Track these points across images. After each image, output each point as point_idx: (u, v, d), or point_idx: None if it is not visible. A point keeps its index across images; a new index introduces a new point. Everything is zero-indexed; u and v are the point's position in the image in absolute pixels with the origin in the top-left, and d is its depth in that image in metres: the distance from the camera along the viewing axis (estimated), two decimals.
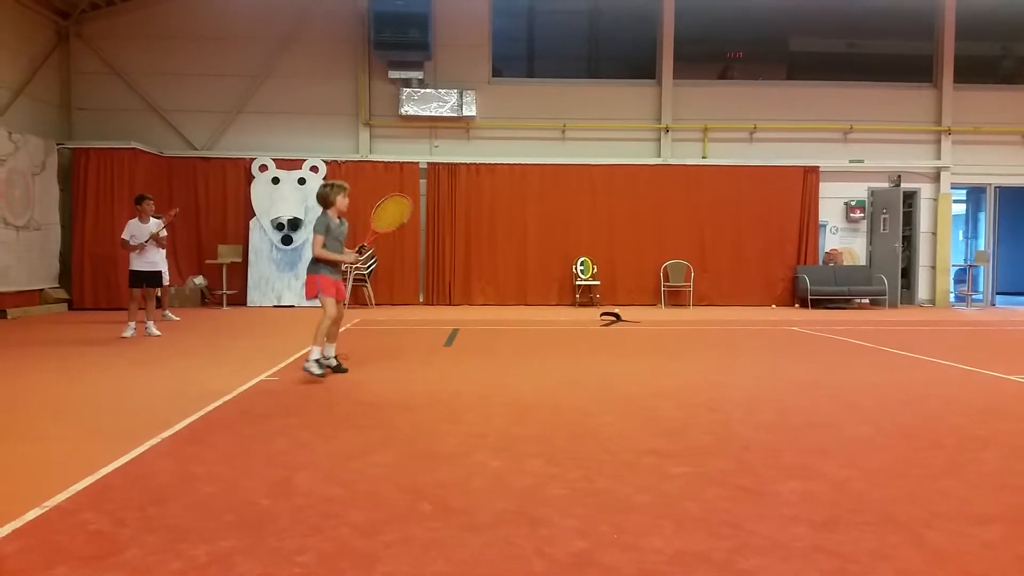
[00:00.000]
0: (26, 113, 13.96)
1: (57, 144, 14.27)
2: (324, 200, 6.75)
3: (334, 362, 6.88)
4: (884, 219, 16.49)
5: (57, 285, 14.07)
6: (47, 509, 3.32)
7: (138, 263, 9.95)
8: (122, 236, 10.07)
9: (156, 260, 10.12)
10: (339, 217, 6.80)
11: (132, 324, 9.87)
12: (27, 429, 4.92)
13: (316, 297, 6.69)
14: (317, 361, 6.46)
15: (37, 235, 13.44)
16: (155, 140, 15.40)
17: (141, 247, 9.91)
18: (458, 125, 16.02)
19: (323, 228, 6.61)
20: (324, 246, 6.62)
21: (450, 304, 15.81)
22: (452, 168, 15.92)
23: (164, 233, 10.24)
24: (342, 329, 7.61)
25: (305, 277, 6.90)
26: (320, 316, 6.64)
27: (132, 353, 8.47)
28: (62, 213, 14.24)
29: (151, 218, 10.13)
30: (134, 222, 10.05)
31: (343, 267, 6.95)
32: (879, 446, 4.56)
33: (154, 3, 15.58)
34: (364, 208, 15.69)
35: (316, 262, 6.69)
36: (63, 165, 14.30)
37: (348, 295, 14.87)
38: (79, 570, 2.73)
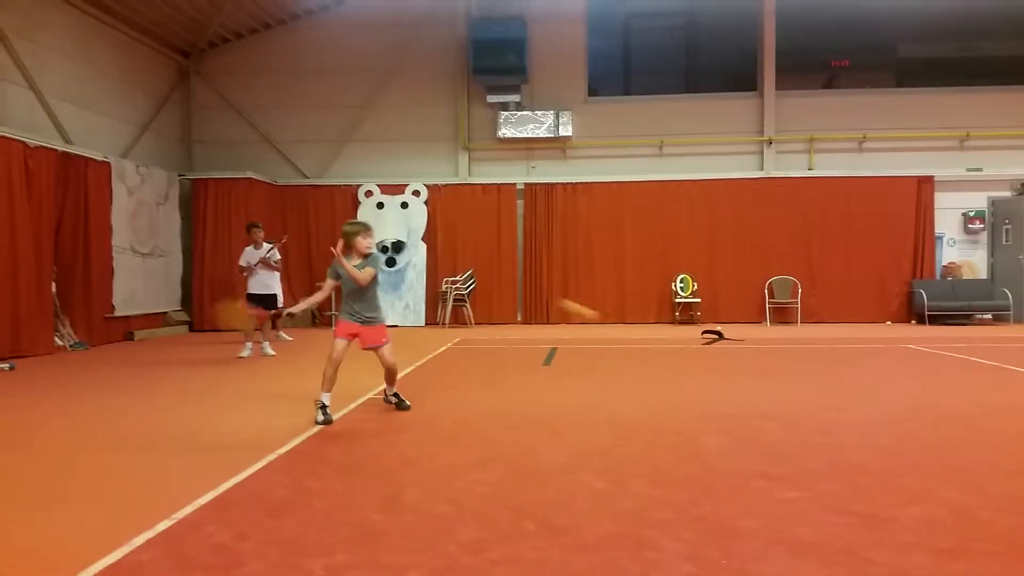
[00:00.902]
0: (151, 147, 14.93)
1: (179, 175, 15.16)
2: (347, 244, 6.05)
3: (394, 399, 6.43)
4: (1007, 230, 15.56)
5: (179, 308, 14.89)
6: (175, 521, 3.53)
7: (254, 287, 10.47)
8: (239, 263, 10.66)
9: (271, 283, 10.62)
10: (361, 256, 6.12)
11: (249, 345, 10.35)
12: (155, 445, 5.23)
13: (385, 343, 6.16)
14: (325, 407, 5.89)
15: (161, 261, 14.29)
16: (269, 170, 16.17)
17: (251, 270, 10.42)
18: (554, 145, 16.12)
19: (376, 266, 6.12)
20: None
21: (548, 323, 15.86)
22: (548, 188, 16.02)
23: (277, 257, 10.72)
24: (443, 347, 7.67)
25: (380, 327, 6.24)
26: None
27: (249, 372, 8.88)
28: (183, 240, 15.10)
29: (264, 244, 10.64)
30: (249, 249, 10.62)
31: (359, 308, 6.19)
32: (1005, 471, 4.31)
33: (265, 40, 16.42)
34: (465, 230, 16.07)
35: (346, 310, 6.15)
36: (184, 195, 15.18)
37: (448, 315, 15.15)
38: None
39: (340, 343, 5.93)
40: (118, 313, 12.67)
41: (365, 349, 6.13)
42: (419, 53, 16.25)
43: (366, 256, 6.06)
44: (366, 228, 6.15)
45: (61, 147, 11.62)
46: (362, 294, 6.07)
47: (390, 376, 6.36)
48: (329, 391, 5.89)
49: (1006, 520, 3.46)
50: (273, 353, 10.41)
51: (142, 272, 13.56)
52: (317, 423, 5.71)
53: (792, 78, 16.05)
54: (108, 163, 12.58)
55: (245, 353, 10.21)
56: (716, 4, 16.21)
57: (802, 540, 3.23)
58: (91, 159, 12.12)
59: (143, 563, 3.05)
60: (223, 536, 3.35)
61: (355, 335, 6.05)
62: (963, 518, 3.49)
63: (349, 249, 6.05)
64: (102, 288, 12.29)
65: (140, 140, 14.53)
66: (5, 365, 9.10)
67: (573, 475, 4.29)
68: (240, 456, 4.73)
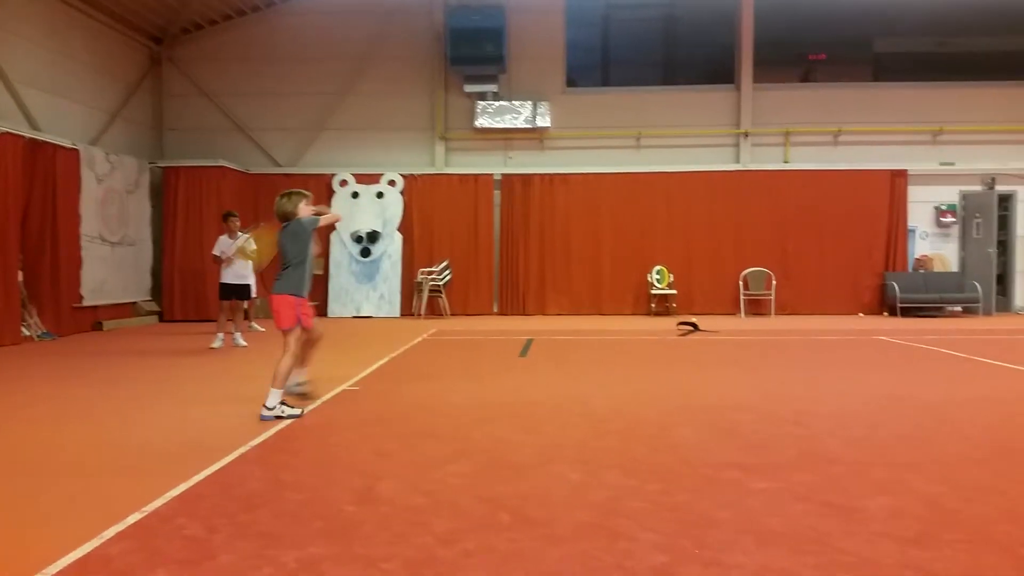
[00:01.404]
0: (121, 135, 14.69)
1: (149, 163, 14.94)
2: (285, 214, 5.85)
3: (307, 388, 6.12)
4: (977, 223, 15.79)
5: (149, 298, 14.70)
6: (146, 514, 3.49)
7: (227, 276, 10.35)
8: (213, 252, 10.52)
9: (245, 274, 10.50)
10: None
11: (221, 335, 10.25)
12: (124, 436, 5.16)
13: (291, 329, 5.80)
14: (283, 402, 5.69)
15: (131, 250, 14.09)
16: (241, 158, 15.98)
17: (228, 260, 10.30)
18: (532, 136, 16.10)
19: (314, 224, 5.92)
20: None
21: (524, 314, 15.87)
22: (526, 179, 16.00)
23: (253, 247, 10.59)
24: (418, 339, 7.62)
25: (279, 299, 5.85)
26: (286, 354, 5.74)
27: (220, 363, 8.80)
28: (153, 229, 14.90)
29: (239, 233, 10.52)
30: (223, 238, 10.47)
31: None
32: (973, 461, 4.38)
33: (239, 27, 16.20)
34: (441, 220, 16.01)
35: (297, 280, 5.90)
36: (155, 183, 14.96)
37: (424, 306, 15.11)
38: (177, 573, 2.87)
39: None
40: (86, 303, 12.49)
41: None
42: (395, 41, 16.12)
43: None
44: (305, 195, 5.98)
45: (29, 134, 11.41)
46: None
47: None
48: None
49: (973, 509, 3.52)
50: (245, 344, 10.31)
51: (111, 261, 13.37)
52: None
53: (769, 71, 16.13)
54: (77, 150, 12.37)
55: (217, 344, 10.11)
56: None
57: (773, 530, 3.26)
58: (59, 146, 11.91)
59: (113, 556, 3.01)
60: (195, 529, 3.31)
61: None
62: (931, 507, 3.54)
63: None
64: (70, 277, 12.10)
65: (110, 127, 14.30)
66: None
67: (548, 466, 4.30)
68: (212, 448, 4.68)
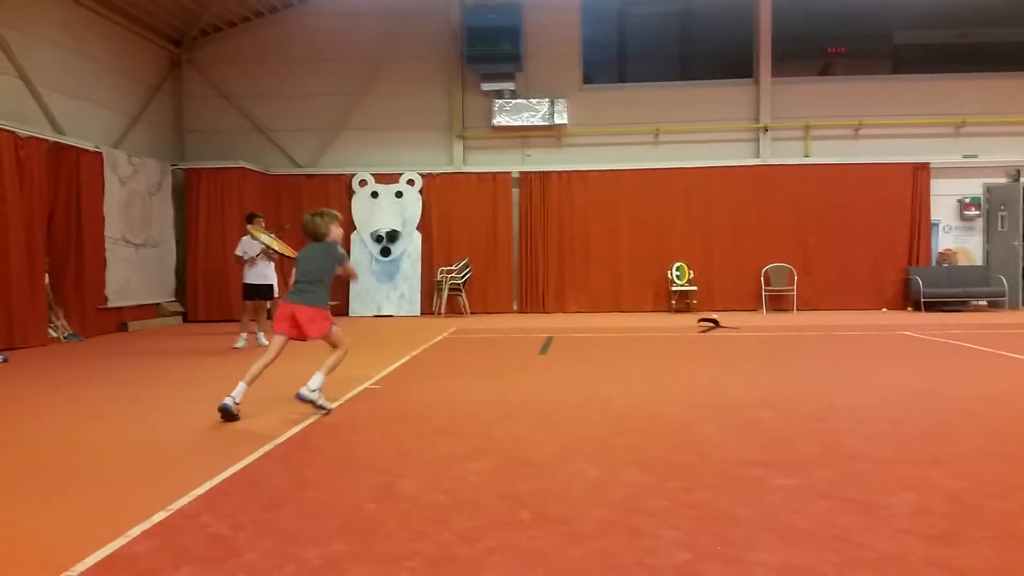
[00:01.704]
0: (143, 137, 14.85)
1: (171, 165, 15.09)
2: (316, 232, 5.91)
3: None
4: (1002, 216, 15.58)
5: (173, 299, 14.85)
6: (171, 512, 3.53)
7: (250, 277, 10.39)
8: (235, 252, 10.57)
9: (267, 274, 10.54)
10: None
11: (244, 335, 10.33)
12: (149, 435, 5.22)
13: (330, 329, 5.86)
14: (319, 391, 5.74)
15: (154, 252, 14.24)
16: (262, 159, 16.10)
17: (252, 260, 10.35)
18: (550, 134, 16.08)
19: (342, 254, 6.02)
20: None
21: (544, 312, 15.86)
22: (544, 176, 15.99)
23: (276, 244, 10.64)
24: (439, 337, 7.61)
25: (315, 311, 5.83)
26: (337, 346, 5.87)
27: (244, 363, 8.86)
28: (176, 230, 15.04)
29: (262, 234, 10.54)
30: (246, 239, 10.47)
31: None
32: (998, 457, 4.32)
33: (257, 28, 16.32)
34: (460, 219, 16.05)
35: (323, 294, 5.92)
36: (177, 185, 15.11)
37: (444, 305, 15.16)
38: (202, 571, 2.90)
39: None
40: (111, 304, 12.64)
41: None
42: (412, 41, 16.17)
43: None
44: (337, 217, 6.12)
45: (52, 137, 11.56)
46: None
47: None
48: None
49: (998, 505, 3.48)
50: (268, 343, 10.36)
51: (135, 263, 13.52)
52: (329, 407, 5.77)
53: (788, 65, 16.01)
54: (100, 153, 12.52)
55: (240, 344, 10.19)
56: None
57: (795, 527, 3.24)
58: (83, 149, 12.06)
59: (139, 554, 3.05)
60: (219, 527, 3.35)
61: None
62: (955, 504, 3.51)
63: (326, 239, 6.00)
64: (95, 279, 12.26)
65: (132, 130, 14.46)
66: None
67: (568, 464, 4.30)
68: (236, 447, 4.73)
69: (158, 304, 14.33)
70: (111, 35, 13.81)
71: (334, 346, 5.88)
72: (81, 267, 11.91)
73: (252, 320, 10.47)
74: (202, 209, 14.77)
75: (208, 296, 14.61)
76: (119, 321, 12.92)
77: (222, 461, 4.37)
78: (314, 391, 5.67)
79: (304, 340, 5.89)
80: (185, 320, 14.68)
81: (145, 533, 3.27)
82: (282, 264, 14.04)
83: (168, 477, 4.16)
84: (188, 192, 14.94)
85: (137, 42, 14.69)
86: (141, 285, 13.71)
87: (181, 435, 5.21)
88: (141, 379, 7.74)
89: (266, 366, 5.81)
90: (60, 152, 11.57)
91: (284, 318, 5.83)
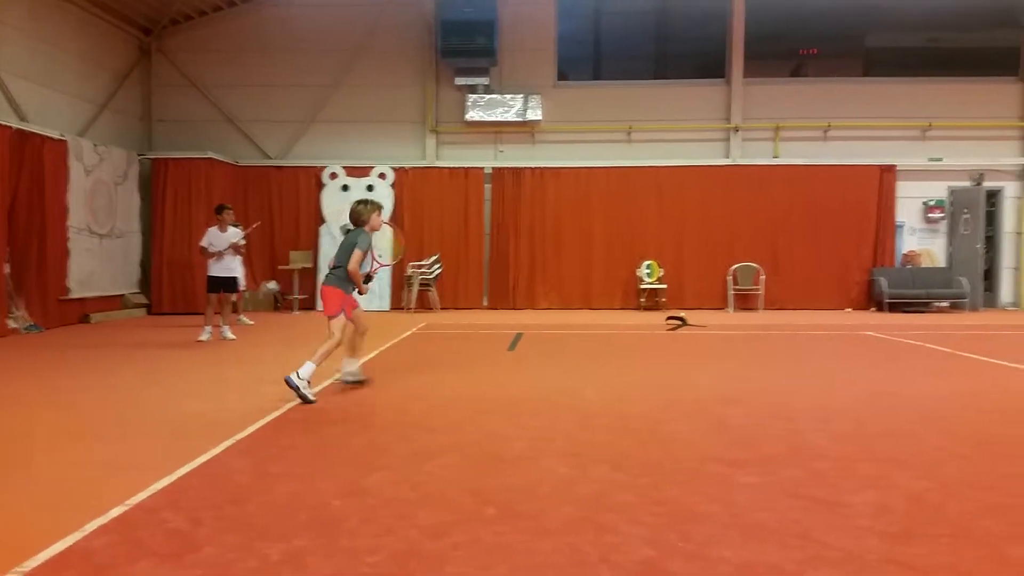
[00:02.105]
0: (110, 126, 14.59)
1: (138, 155, 14.84)
2: (358, 219, 6.32)
3: (361, 376, 6.64)
4: (965, 219, 15.87)
5: (137, 290, 14.62)
6: (129, 507, 3.47)
7: (215, 269, 10.27)
8: (200, 244, 10.42)
9: (233, 267, 10.42)
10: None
11: (208, 328, 10.20)
12: (110, 429, 5.14)
13: (336, 316, 6.17)
14: (309, 381, 5.90)
15: (119, 242, 14.00)
16: (231, 150, 15.89)
17: (220, 255, 10.22)
18: (523, 130, 16.06)
19: (367, 246, 6.22)
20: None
21: (514, 308, 15.86)
22: (517, 172, 15.98)
23: (243, 243, 10.55)
24: (408, 332, 7.60)
25: (330, 291, 6.24)
26: (330, 336, 6.08)
27: (209, 356, 8.76)
28: (142, 221, 14.81)
29: (229, 227, 10.43)
30: (213, 230, 10.37)
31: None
32: (958, 457, 4.40)
33: (229, 18, 16.10)
34: (431, 214, 15.97)
35: (346, 279, 6.20)
36: (143, 175, 14.87)
37: (414, 300, 15.11)
38: (160, 566, 2.85)
39: (343, 325, 6.27)
40: (73, 295, 12.41)
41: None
42: (386, 33, 16.06)
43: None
44: (379, 206, 6.53)
45: (16, 124, 11.31)
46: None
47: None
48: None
49: (956, 505, 3.54)
50: (234, 337, 10.27)
51: (99, 253, 13.29)
52: (310, 399, 5.86)
53: (760, 66, 16.15)
54: (65, 141, 12.28)
55: (204, 337, 10.05)
56: None
57: (759, 524, 3.27)
58: (47, 137, 11.82)
59: (95, 549, 2.99)
60: (179, 521, 3.30)
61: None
62: (915, 503, 3.56)
63: (364, 227, 6.32)
64: (57, 269, 12.02)
65: (99, 118, 14.19)
66: None
67: (536, 460, 4.30)
68: (200, 440, 4.66)
69: (122, 296, 14.10)
70: (78, 22, 13.53)
71: (330, 335, 6.12)
72: (43, 257, 11.67)
73: (217, 313, 10.33)
74: (169, 200, 14.55)
75: (173, 288, 14.41)
76: (81, 312, 12.69)
77: (185, 455, 4.31)
78: (302, 378, 5.82)
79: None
80: (149, 312, 14.46)
81: (102, 528, 3.21)
82: (249, 256, 13.91)
83: (128, 471, 4.09)
84: (155, 182, 14.71)
85: (105, 29, 14.41)
86: (105, 276, 13.47)
87: (142, 429, 5.13)
88: (103, 371, 7.61)
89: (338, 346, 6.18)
90: (23, 139, 11.31)
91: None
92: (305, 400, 5.78)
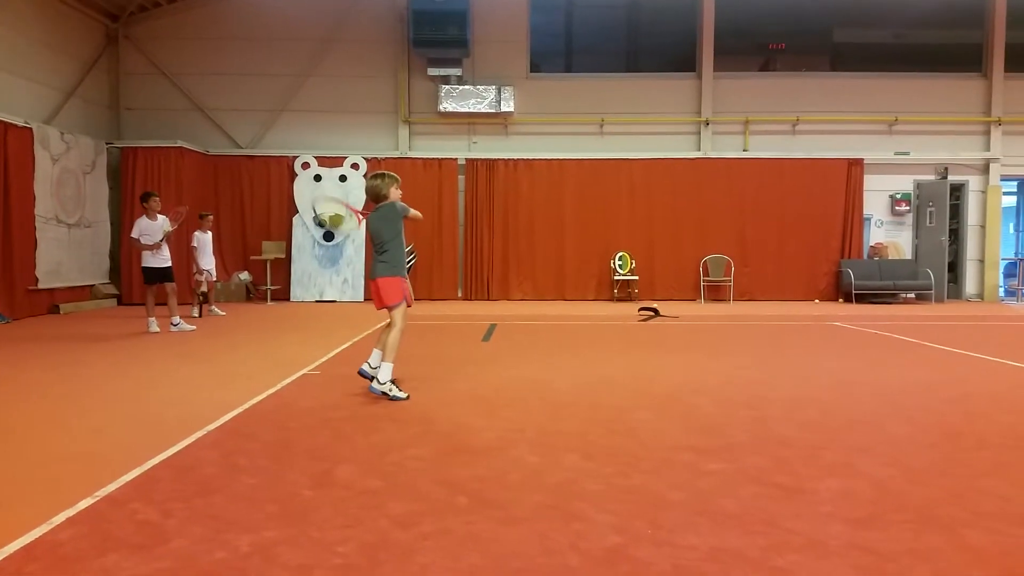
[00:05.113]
0: (77, 114, 14.35)
1: (106, 143, 14.63)
2: (378, 194, 5.92)
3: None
4: (930, 212, 16.15)
5: (107, 281, 14.43)
6: (98, 499, 3.44)
7: (152, 260, 10.00)
8: (132, 235, 10.07)
9: (167, 256, 10.17)
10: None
11: (154, 319, 10.00)
12: (79, 421, 5.08)
13: (398, 305, 5.84)
14: (393, 381, 5.76)
15: (88, 232, 13.80)
16: (201, 139, 15.71)
17: (158, 246, 9.97)
18: (496, 121, 16.06)
19: (406, 208, 5.91)
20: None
21: (488, 299, 15.88)
22: (490, 164, 15.98)
23: (172, 229, 10.25)
24: (382, 323, 7.50)
25: (387, 280, 5.83)
26: (394, 329, 5.81)
27: (179, 348, 8.68)
28: (111, 211, 14.60)
29: (158, 215, 10.18)
30: (143, 220, 9.99)
31: None
32: (922, 444, 4.50)
33: (200, 5, 15.89)
34: (405, 203, 15.86)
35: (400, 264, 5.87)
36: (112, 164, 14.66)
37: None
38: (128, 558, 2.84)
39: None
40: (42, 285, 12.24)
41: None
42: (358, 22, 15.95)
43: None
44: (396, 179, 6.06)
45: None
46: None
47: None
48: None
49: (919, 491, 3.62)
50: (191, 328, 10.12)
51: (68, 243, 13.09)
52: (401, 397, 5.67)
53: (730, 60, 16.28)
54: (30, 129, 12.07)
55: (154, 328, 9.88)
56: None
57: (725, 511, 3.33)
58: (11, 124, 11.62)
59: (62, 541, 2.97)
60: (148, 513, 3.28)
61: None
62: (879, 489, 3.64)
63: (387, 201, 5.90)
64: (24, 259, 11.84)
65: (65, 106, 13.96)
66: None
67: (507, 450, 4.32)
68: (169, 432, 4.63)
69: (92, 286, 13.90)
70: (43, 7, 13.28)
71: (391, 325, 5.85)
72: (9, 246, 11.49)
73: (161, 304, 10.13)
74: (138, 189, 14.28)
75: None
76: (50, 303, 12.51)
77: (154, 447, 4.28)
78: (383, 383, 5.69)
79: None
80: (120, 303, 14.27)
81: (70, 520, 3.19)
82: (220, 247, 13.75)
83: (96, 463, 4.06)
84: (124, 171, 14.51)
85: (71, 15, 14.15)
86: (74, 266, 13.29)
87: (110, 421, 5.08)
88: (70, 363, 7.52)
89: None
90: None
91: (374, 296, 5.97)
92: (397, 399, 5.62)
